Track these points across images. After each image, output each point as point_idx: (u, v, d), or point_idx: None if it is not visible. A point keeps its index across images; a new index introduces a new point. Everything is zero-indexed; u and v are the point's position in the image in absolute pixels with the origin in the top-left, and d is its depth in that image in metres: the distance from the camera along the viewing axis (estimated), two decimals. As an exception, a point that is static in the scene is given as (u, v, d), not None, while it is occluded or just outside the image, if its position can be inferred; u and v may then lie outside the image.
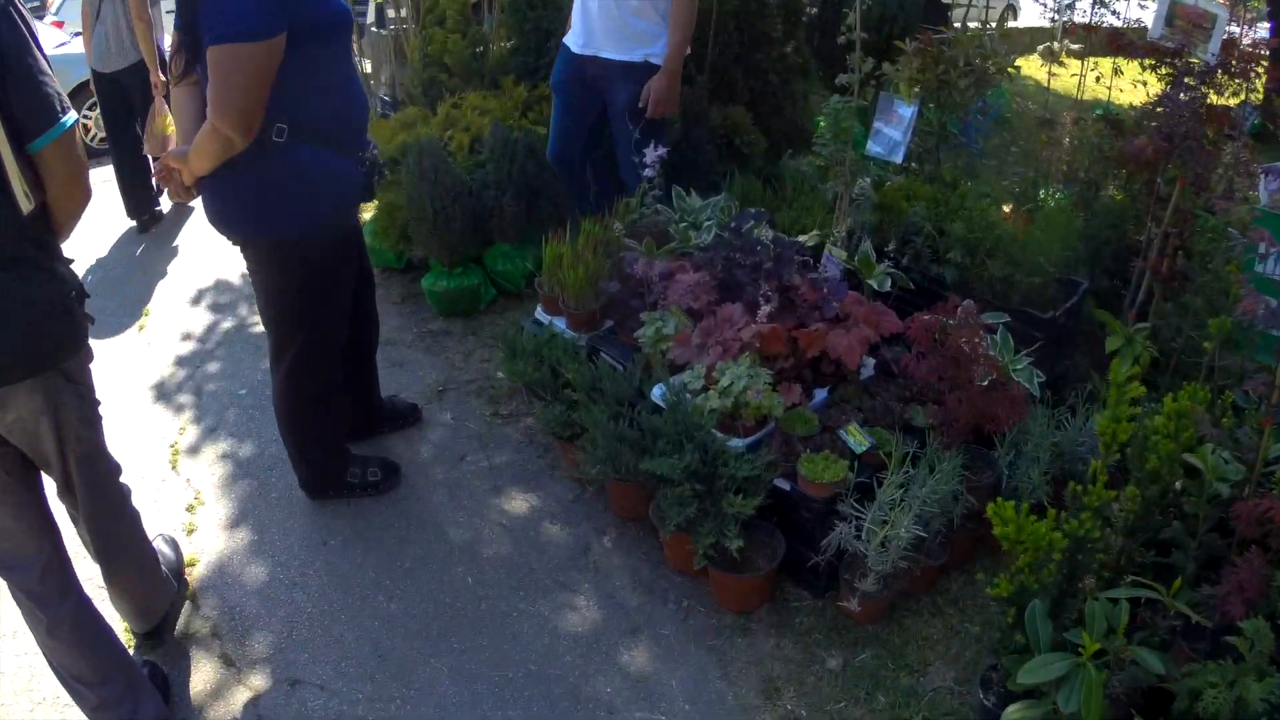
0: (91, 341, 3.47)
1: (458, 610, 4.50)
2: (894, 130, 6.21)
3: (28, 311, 3.10)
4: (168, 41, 6.05)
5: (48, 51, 3.05)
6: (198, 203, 4.47)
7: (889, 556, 4.09)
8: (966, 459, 4.44)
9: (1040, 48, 15.30)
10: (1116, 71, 7.82)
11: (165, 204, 9.46)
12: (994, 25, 10.51)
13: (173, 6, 3.99)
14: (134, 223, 9.04)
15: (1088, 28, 7.88)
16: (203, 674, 4.18)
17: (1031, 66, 12.41)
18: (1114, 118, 6.03)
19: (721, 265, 5.16)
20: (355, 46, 9.14)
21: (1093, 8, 10.17)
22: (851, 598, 4.21)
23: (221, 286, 7.86)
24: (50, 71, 3.02)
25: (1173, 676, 3.16)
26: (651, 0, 5.70)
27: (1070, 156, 6.27)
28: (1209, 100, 4.77)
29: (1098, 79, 8.48)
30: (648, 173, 5.69)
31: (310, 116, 4.01)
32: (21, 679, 4.15)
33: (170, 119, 8.03)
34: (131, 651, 4.08)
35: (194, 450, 5.63)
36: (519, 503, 5.17)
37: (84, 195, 3.24)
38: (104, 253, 8.70)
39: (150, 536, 4.12)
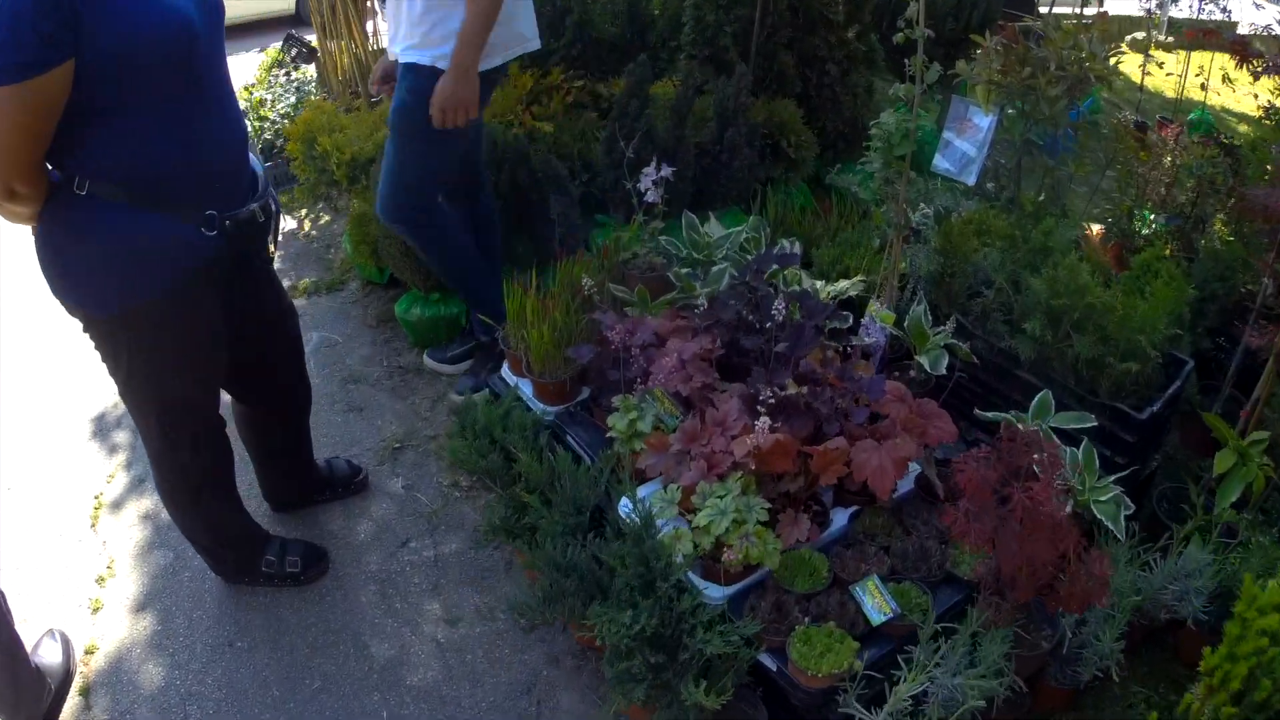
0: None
1: (364, 755, 3.74)
2: (967, 143, 5.07)
3: None
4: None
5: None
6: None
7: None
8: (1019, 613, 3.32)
9: (1128, 38, 14.17)
10: (1226, 80, 6.81)
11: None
12: (1088, 15, 9.40)
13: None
14: None
15: (1206, 32, 6.61)
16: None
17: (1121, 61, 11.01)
18: (1227, 144, 5.13)
19: (728, 329, 3.96)
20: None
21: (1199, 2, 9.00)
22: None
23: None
24: None
25: None
26: None
27: (1170, 178, 5.23)
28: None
29: (1197, 76, 7.64)
30: (649, 196, 4.47)
31: (125, 171, 3.12)
32: None
33: None
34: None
35: (117, 505, 4.99)
36: (461, 611, 4.30)
37: None
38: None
39: (46, 629, 4.02)
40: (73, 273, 3.25)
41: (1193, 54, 8.19)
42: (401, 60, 4.37)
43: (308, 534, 4.62)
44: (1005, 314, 4.35)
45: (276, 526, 4.64)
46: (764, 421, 3.32)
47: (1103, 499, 3.50)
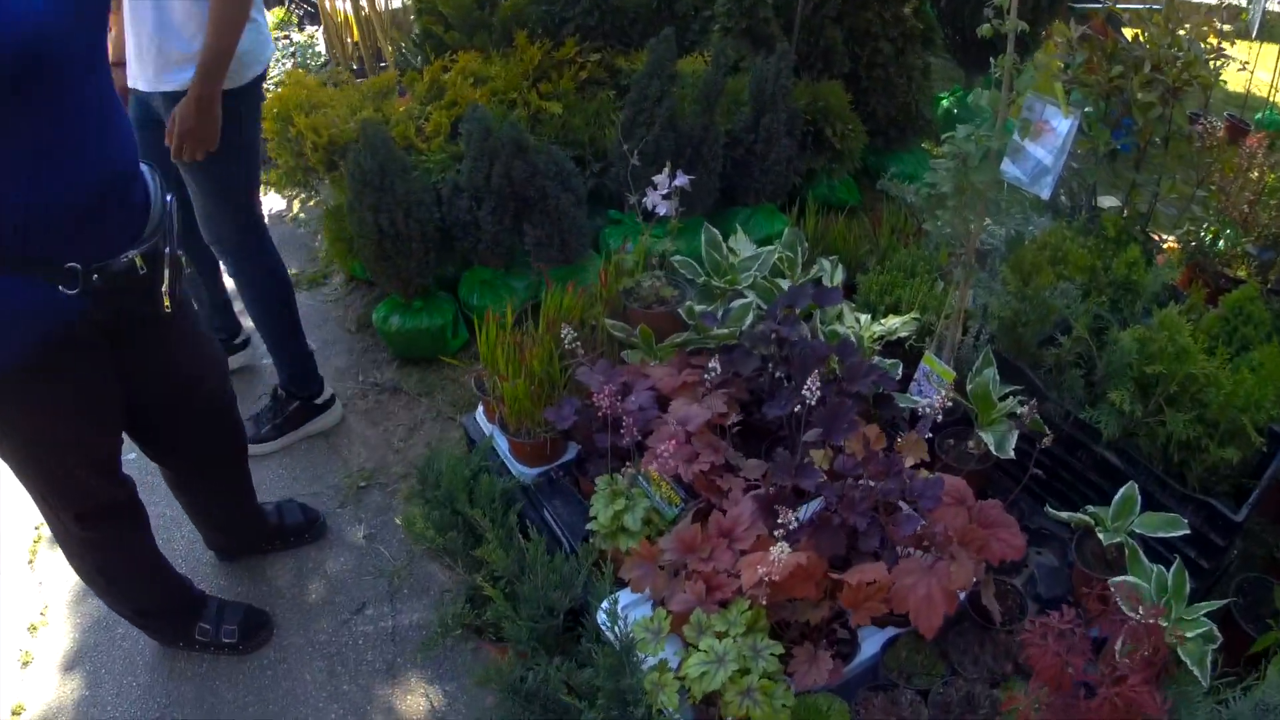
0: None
1: None
2: (1042, 150, 4.19)
3: None
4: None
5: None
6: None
7: None
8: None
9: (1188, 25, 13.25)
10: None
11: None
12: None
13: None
14: None
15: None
16: None
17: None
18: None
19: (749, 384, 3.16)
20: None
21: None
22: None
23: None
24: None
25: None
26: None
27: (1255, 195, 4.52)
28: None
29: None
30: (662, 209, 3.66)
31: None
32: None
33: None
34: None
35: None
36: (414, 700, 3.59)
37: None
38: None
39: None
40: None
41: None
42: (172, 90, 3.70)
43: (252, 591, 4.02)
44: (1085, 368, 3.54)
45: (220, 578, 4.09)
46: (781, 548, 2.49)
47: (1192, 635, 2.66)
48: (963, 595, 2.91)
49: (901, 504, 2.85)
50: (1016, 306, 3.61)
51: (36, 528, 4.46)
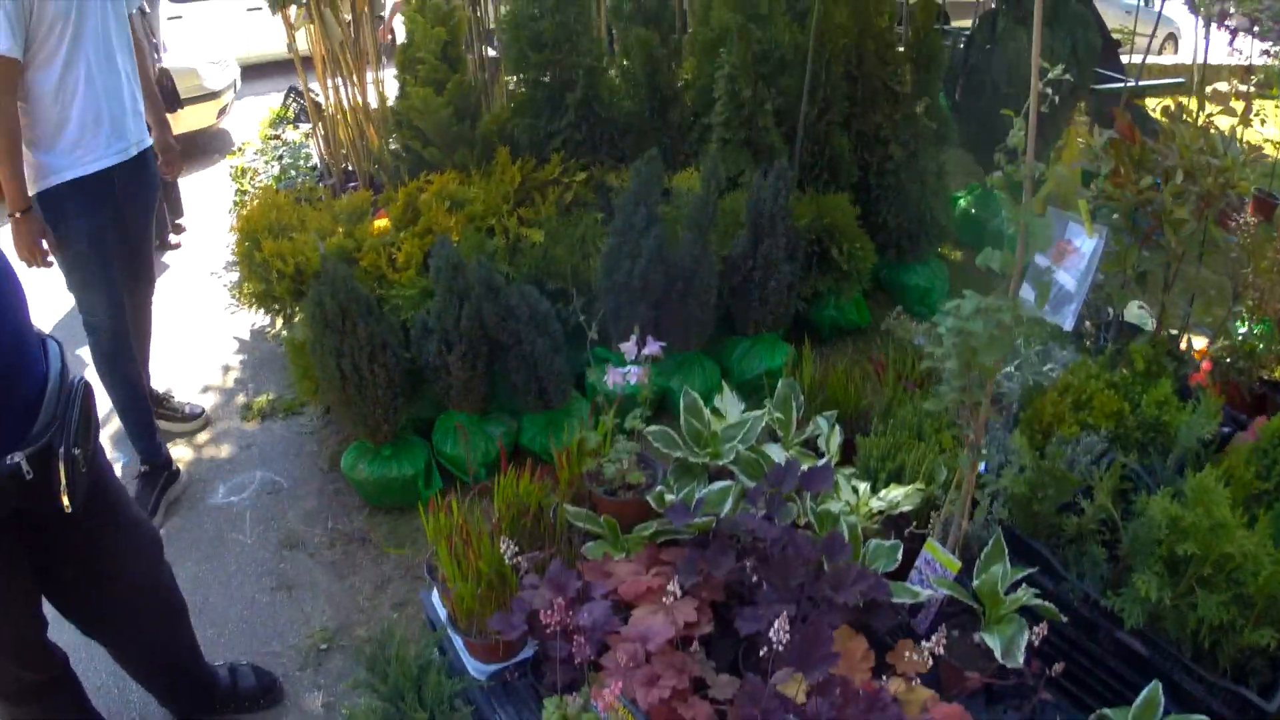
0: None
1: None
2: (1064, 273, 3.96)
3: None
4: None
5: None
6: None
7: None
8: None
9: (1209, 89, 13.01)
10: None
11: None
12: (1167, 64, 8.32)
13: None
14: None
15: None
16: None
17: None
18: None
19: (722, 589, 2.80)
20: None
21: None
22: None
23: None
24: None
25: None
26: None
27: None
28: None
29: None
30: (633, 377, 3.30)
31: None
32: None
33: None
34: None
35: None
36: None
37: None
38: None
39: None
40: None
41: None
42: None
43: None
44: (1108, 535, 3.17)
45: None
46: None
47: None
48: None
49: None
50: (1033, 479, 3.20)
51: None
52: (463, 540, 3.02)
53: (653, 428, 3.46)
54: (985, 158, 6.73)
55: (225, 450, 5.16)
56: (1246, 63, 8.52)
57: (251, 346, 6.14)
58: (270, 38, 11.30)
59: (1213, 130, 4.17)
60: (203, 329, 6.38)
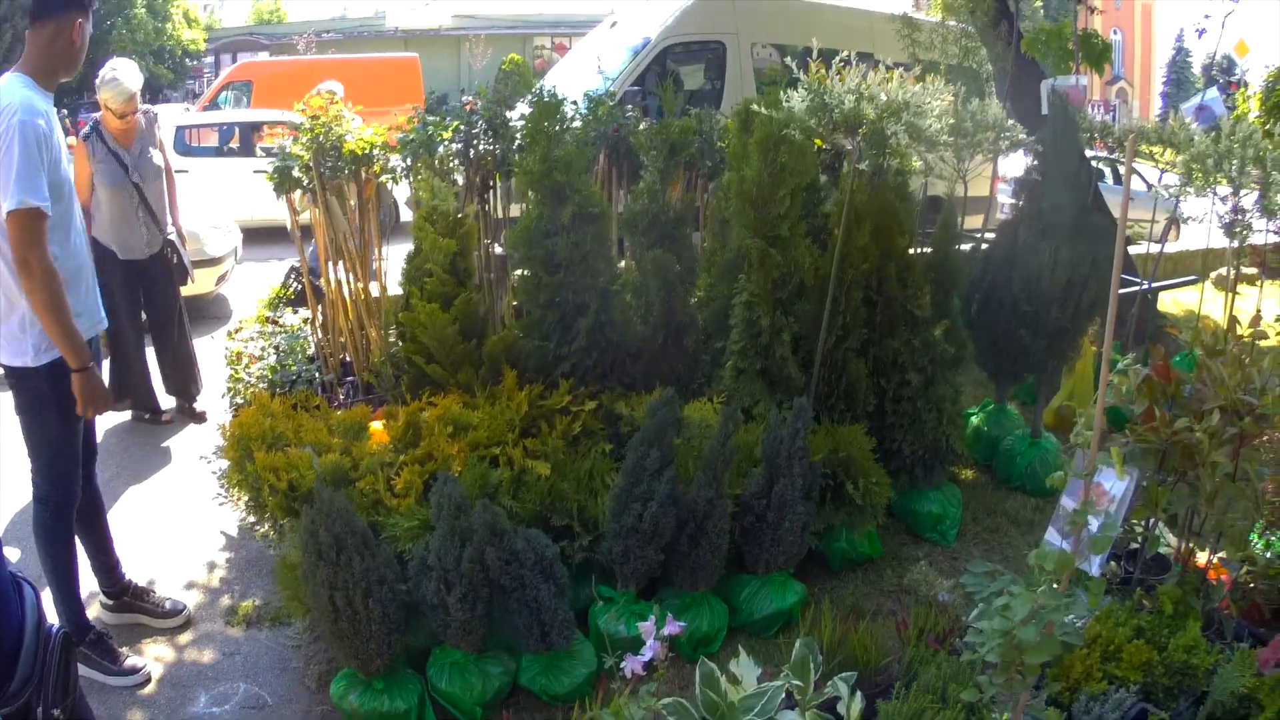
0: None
1: None
2: (1094, 518, 3.76)
3: None
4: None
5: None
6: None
7: None
8: None
9: (1213, 274, 13.14)
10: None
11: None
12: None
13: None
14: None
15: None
16: None
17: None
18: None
19: None
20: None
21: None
22: None
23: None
24: None
25: None
26: None
27: None
28: None
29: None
30: (648, 654, 3.10)
31: None
32: None
33: None
34: None
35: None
36: None
37: None
38: None
39: None
40: None
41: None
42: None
43: None
44: None
45: None
46: None
47: None
48: None
49: None
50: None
51: None
52: None
53: (666, 700, 3.28)
54: (998, 373, 6.63)
55: (208, 655, 4.91)
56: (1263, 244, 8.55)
57: (239, 543, 5.92)
58: (274, 203, 11.30)
59: (1248, 361, 4.06)
60: (189, 518, 6.16)
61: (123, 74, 6.55)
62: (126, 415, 7.61)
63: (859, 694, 3.62)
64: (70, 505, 4.42)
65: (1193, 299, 9.84)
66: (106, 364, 7.08)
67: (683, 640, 4.49)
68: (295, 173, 6.22)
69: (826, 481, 4.95)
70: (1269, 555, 4.40)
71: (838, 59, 5.52)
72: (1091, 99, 50.01)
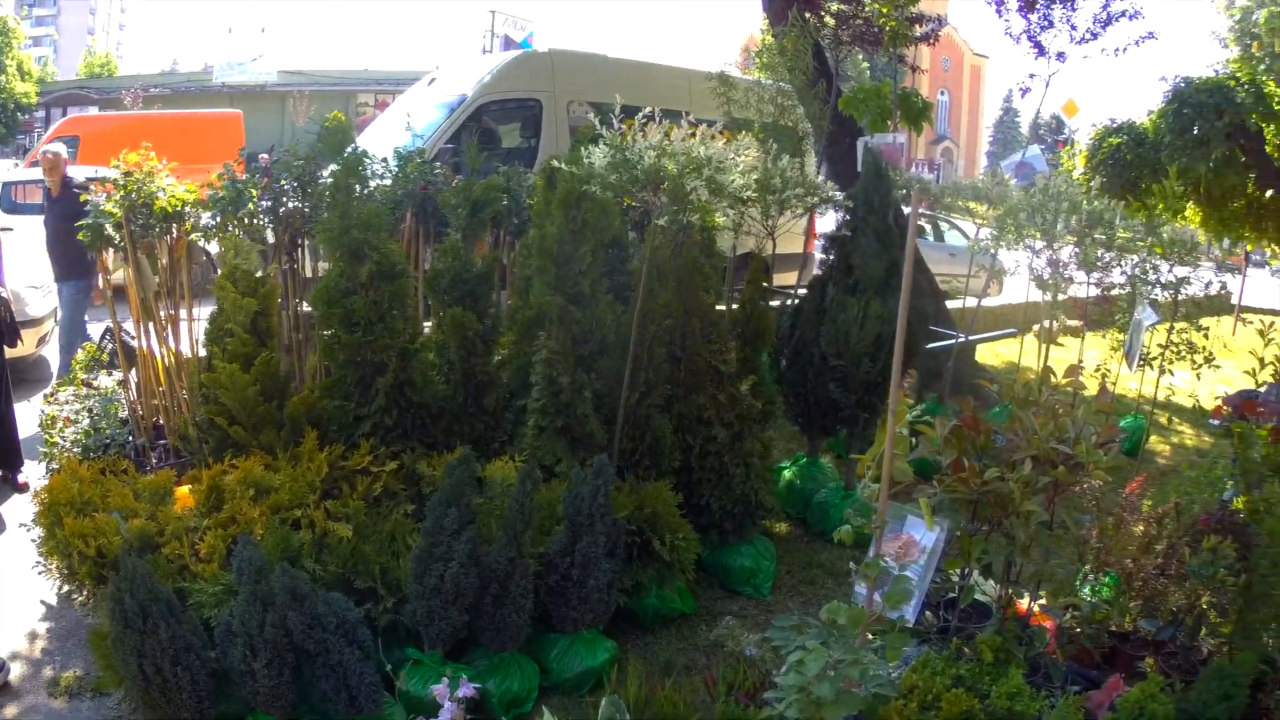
0: None
1: None
2: (909, 570, 4.03)
3: None
4: None
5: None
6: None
7: None
8: None
9: (1035, 327, 13.65)
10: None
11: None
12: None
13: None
14: None
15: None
16: None
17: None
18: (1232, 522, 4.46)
19: None
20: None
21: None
22: None
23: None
24: None
25: None
26: None
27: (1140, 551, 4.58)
28: None
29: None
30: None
31: None
32: None
33: None
34: None
35: None
36: None
37: None
38: None
39: None
40: None
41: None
42: None
43: None
44: None
45: None
46: None
47: None
48: None
49: None
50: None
51: None
52: None
53: None
54: (809, 426, 6.80)
55: (33, 729, 4.85)
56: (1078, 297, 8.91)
57: (58, 612, 5.84)
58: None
59: (1065, 412, 4.24)
60: (9, 586, 6.02)
61: None
62: None
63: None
64: None
65: (1015, 352, 10.17)
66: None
67: (495, 701, 4.54)
68: (108, 230, 6.17)
69: (633, 538, 5.09)
70: (1093, 601, 4.61)
71: (640, 115, 5.63)
72: (916, 158, 51.79)
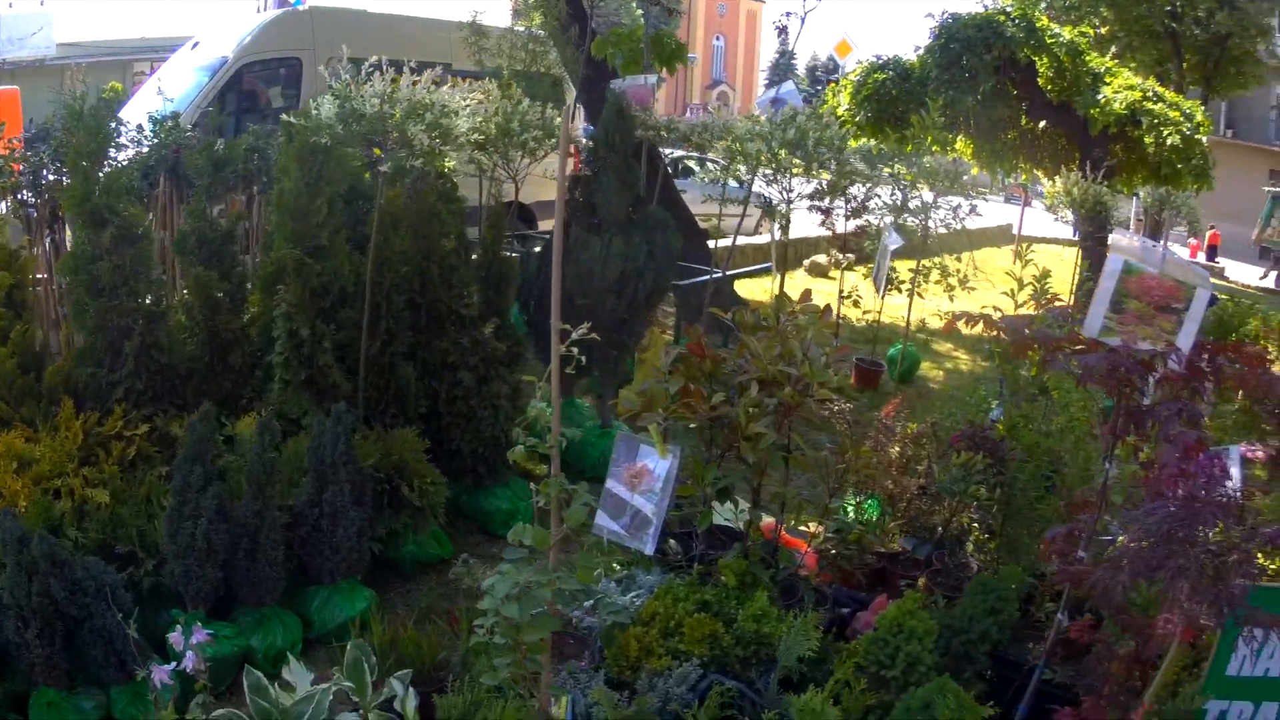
0: None
1: None
2: (641, 498, 4.23)
3: None
4: None
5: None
6: None
7: None
8: None
9: (806, 261, 14.32)
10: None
11: None
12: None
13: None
14: None
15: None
16: None
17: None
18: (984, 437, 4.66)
19: None
20: None
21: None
22: None
23: None
24: None
25: None
26: None
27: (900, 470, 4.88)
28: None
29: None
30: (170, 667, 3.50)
31: None
32: None
33: None
34: None
35: None
36: None
37: None
38: None
39: None
40: None
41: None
42: None
43: None
44: None
45: None
46: None
47: None
48: None
49: None
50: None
51: None
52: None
53: (218, 712, 3.63)
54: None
55: None
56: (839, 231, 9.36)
57: None
58: None
59: (794, 335, 4.44)
60: None
61: None
62: None
63: (412, 691, 3.99)
64: None
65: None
66: None
67: (260, 656, 4.71)
68: None
69: (381, 486, 5.37)
70: (848, 522, 4.84)
71: (397, 68, 5.88)
72: (691, 102, 52.21)
